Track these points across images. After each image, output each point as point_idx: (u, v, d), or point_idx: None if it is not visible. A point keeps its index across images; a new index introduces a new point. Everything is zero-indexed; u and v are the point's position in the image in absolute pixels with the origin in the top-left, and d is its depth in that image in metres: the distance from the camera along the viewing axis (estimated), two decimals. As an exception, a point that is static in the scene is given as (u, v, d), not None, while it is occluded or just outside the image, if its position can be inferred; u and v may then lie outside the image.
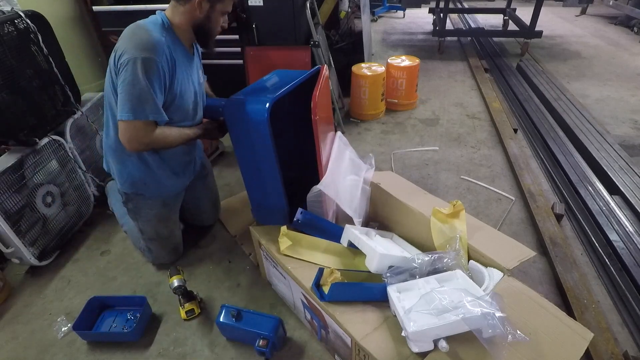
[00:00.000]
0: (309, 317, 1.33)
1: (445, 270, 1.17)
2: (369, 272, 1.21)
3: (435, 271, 1.18)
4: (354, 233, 1.32)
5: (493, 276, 1.13)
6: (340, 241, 1.42)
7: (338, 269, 1.19)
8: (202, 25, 1.30)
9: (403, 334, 0.99)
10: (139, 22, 1.27)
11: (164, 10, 1.33)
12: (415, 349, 0.96)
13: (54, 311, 1.57)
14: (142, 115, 1.21)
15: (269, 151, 1.26)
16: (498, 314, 0.93)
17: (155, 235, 1.62)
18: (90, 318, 1.49)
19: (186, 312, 1.49)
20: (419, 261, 1.18)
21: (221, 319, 1.34)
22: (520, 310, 1.03)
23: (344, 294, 1.13)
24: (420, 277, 1.15)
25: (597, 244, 1.71)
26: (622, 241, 1.67)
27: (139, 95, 1.19)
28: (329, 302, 1.12)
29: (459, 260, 1.19)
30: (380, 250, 1.19)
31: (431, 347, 0.96)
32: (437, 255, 1.20)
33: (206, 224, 1.93)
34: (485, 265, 1.18)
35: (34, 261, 1.67)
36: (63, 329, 1.48)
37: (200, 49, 1.51)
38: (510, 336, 0.92)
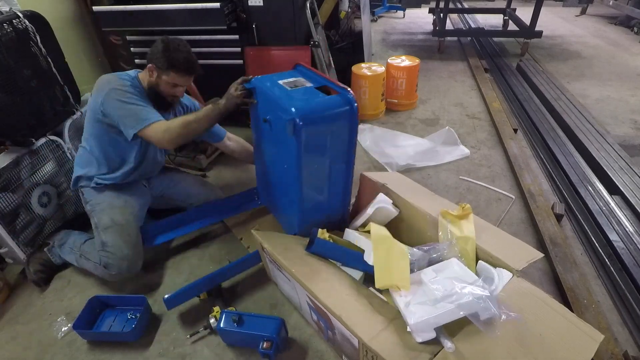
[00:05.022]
0: (315, 318, 1.32)
1: (441, 260, 1.18)
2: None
3: (431, 263, 1.20)
4: (353, 234, 1.37)
5: (502, 277, 1.13)
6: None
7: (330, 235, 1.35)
8: (153, 88, 1.56)
9: (408, 329, 1.00)
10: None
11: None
12: (419, 339, 0.99)
13: (54, 311, 1.57)
14: (141, 125, 1.45)
15: (350, 143, 1.38)
16: (488, 294, 0.97)
17: (110, 222, 1.56)
18: (90, 317, 1.49)
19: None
20: (416, 255, 1.20)
21: (222, 325, 1.30)
22: (530, 311, 1.03)
23: (326, 251, 1.31)
24: (419, 270, 1.16)
25: (597, 244, 1.71)
26: (622, 241, 1.67)
27: (131, 113, 1.46)
28: (313, 254, 1.30)
29: (453, 249, 1.20)
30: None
31: (433, 335, 0.99)
32: (431, 246, 1.22)
33: (211, 198, 1.88)
34: (494, 266, 1.18)
35: (30, 261, 1.66)
36: (63, 329, 1.48)
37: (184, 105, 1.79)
38: (504, 316, 0.97)
